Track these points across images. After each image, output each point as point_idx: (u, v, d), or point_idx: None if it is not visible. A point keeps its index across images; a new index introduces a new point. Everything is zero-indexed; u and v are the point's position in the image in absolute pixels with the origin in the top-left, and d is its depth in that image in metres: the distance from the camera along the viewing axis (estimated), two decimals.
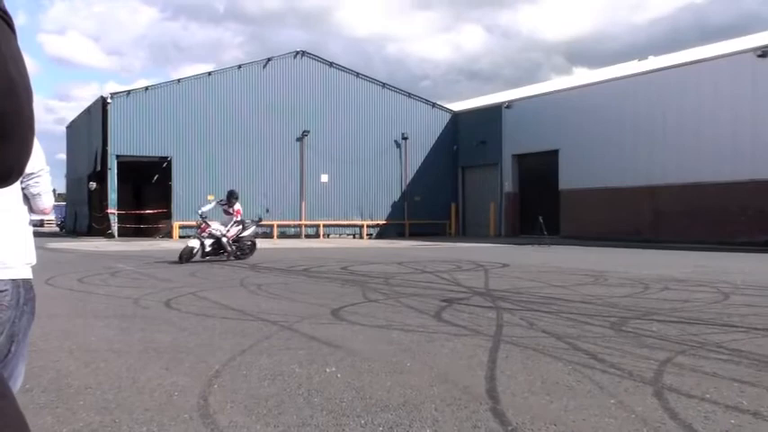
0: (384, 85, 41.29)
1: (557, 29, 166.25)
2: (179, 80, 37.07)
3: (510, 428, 4.22)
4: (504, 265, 17.65)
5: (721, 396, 4.93)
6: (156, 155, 35.81)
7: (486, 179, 40.55)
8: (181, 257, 18.09)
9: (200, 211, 19.09)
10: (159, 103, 35.77)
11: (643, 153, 31.48)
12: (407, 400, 4.85)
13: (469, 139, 41.20)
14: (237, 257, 19.20)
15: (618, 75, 35.20)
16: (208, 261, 18.52)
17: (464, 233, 41.43)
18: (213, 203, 19.71)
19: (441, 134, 42.15)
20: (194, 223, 19.51)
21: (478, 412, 4.56)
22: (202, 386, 5.26)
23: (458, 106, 45.18)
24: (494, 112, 40.06)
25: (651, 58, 39.63)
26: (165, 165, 36.32)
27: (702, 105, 29.28)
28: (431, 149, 41.76)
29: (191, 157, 35.68)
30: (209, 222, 18.89)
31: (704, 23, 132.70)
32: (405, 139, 40.67)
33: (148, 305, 9.97)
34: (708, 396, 4.93)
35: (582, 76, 52.12)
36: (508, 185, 39.19)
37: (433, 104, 42.79)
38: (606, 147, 33.05)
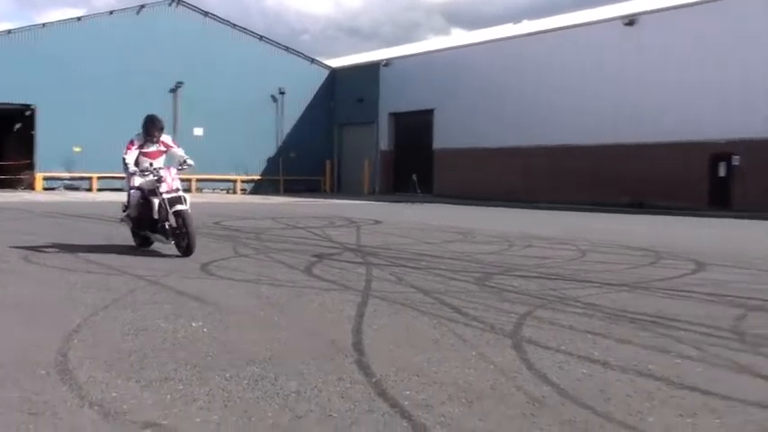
0: (261, 37, 40.56)
1: None
2: (44, 24, 35.18)
3: (374, 380, 4.30)
4: (377, 222, 17.85)
5: (575, 347, 5.20)
6: (18, 102, 33.93)
7: (363, 137, 40.68)
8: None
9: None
10: (23, 49, 33.78)
11: (516, 115, 32.28)
12: (274, 354, 4.86)
13: (347, 96, 41.14)
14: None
15: (494, 37, 35.85)
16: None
17: (339, 190, 41.56)
18: (134, 150, 10.50)
19: (318, 90, 41.88)
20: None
21: (344, 365, 4.63)
22: (61, 341, 5.09)
23: (336, 63, 44.89)
24: (372, 70, 40.13)
25: (525, 21, 40.52)
26: (27, 113, 34.46)
27: (570, 70, 30.29)
28: (308, 106, 41.44)
29: (56, 106, 33.77)
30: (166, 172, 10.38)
31: None
32: (282, 93, 40.16)
33: (7, 259, 9.52)
34: (563, 347, 5.19)
35: (459, 36, 52.75)
36: (384, 144, 39.48)
37: (312, 60, 42.38)
38: (480, 108, 33.71)
